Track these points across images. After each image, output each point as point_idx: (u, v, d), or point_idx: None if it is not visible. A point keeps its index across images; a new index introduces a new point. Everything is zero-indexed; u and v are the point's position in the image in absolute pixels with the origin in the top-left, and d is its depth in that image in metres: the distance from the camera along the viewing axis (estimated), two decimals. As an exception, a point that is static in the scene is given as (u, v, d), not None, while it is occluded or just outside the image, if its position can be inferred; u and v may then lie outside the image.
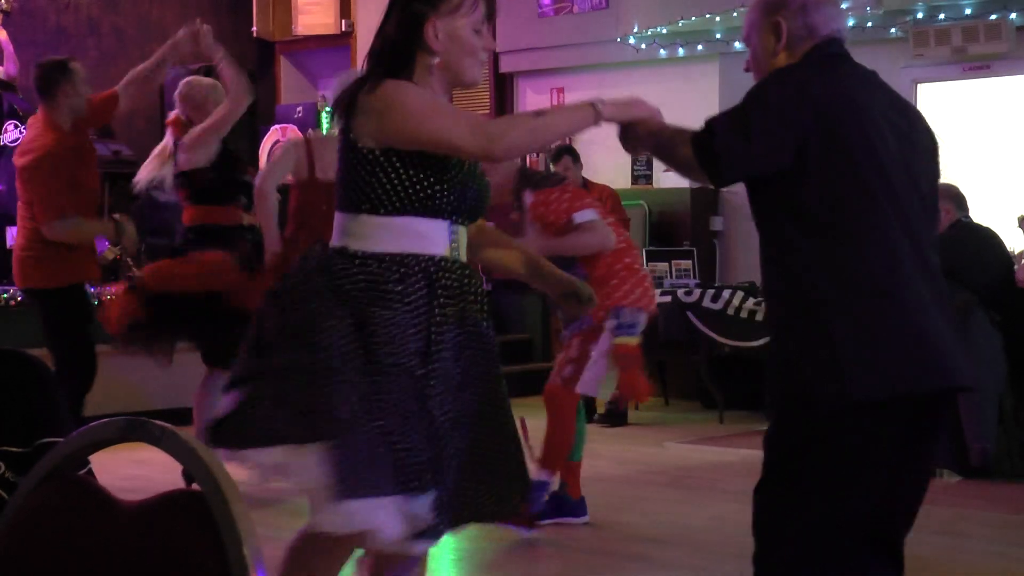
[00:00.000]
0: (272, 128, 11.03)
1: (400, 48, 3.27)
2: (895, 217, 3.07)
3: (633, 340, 5.85)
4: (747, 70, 3.36)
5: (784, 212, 3.10)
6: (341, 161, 3.29)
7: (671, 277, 10.30)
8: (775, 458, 3.19)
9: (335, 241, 3.25)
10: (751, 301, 9.24)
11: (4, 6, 10.46)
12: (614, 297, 5.80)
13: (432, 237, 3.23)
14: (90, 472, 2.46)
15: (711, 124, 3.10)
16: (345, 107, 3.26)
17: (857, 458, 3.09)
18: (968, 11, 9.70)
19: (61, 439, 2.19)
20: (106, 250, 6.66)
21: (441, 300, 3.19)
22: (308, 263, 3.24)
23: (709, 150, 3.08)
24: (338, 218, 3.29)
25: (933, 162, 3.31)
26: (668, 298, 9.48)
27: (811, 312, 3.05)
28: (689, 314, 9.47)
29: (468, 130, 3.17)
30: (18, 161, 6.67)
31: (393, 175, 3.19)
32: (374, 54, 3.32)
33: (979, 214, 8.00)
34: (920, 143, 3.24)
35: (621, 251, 5.93)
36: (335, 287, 3.14)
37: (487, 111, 12.03)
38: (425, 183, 3.21)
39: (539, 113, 3.32)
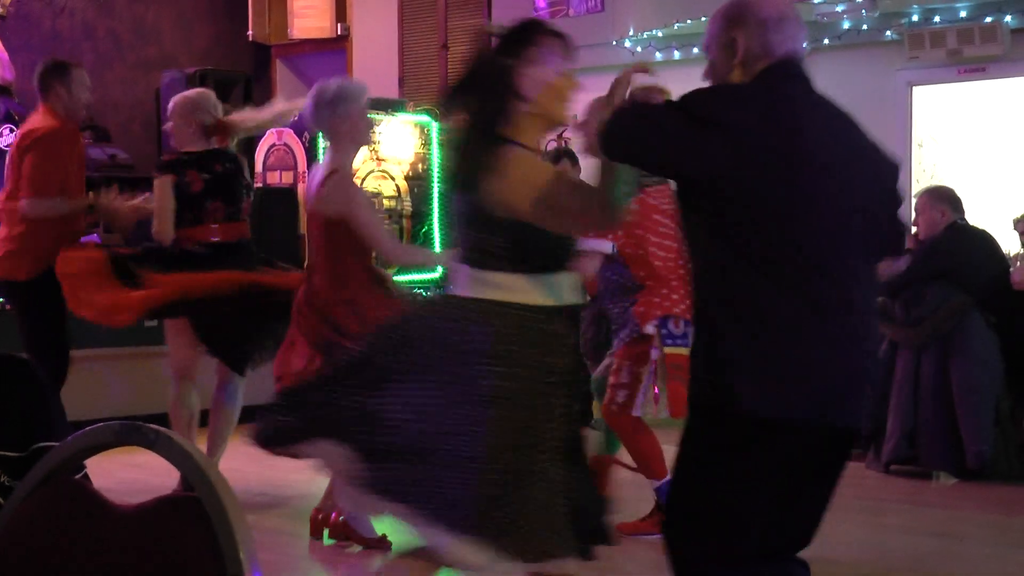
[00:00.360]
0: (268, 132, 11.03)
1: (497, 103, 3.40)
2: (812, 251, 3.04)
3: (683, 351, 5.81)
4: (706, 77, 3.35)
5: (705, 224, 3.10)
6: (469, 221, 3.44)
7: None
8: (681, 467, 3.25)
9: (467, 292, 3.42)
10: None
11: (0, 10, 10.45)
12: (663, 306, 5.75)
13: (567, 286, 3.46)
14: (86, 476, 2.47)
15: (639, 106, 3.17)
16: (465, 173, 3.42)
17: (746, 474, 3.12)
18: (963, 14, 9.71)
19: (57, 443, 2.19)
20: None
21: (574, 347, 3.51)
22: (431, 309, 3.52)
23: (612, 124, 3.12)
24: (471, 273, 3.44)
25: (881, 189, 3.27)
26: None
27: (715, 322, 3.08)
28: (685, 317, 9.47)
29: (592, 211, 3.31)
30: (20, 143, 6.63)
31: (529, 239, 3.37)
32: (473, 112, 3.45)
33: (975, 216, 8.01)
34: (864, 171, 3.18)
35: (676, 262, 5.79)
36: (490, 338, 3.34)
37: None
38: (556, 245, 3.44)
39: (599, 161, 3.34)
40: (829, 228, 3.07)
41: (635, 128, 3.10)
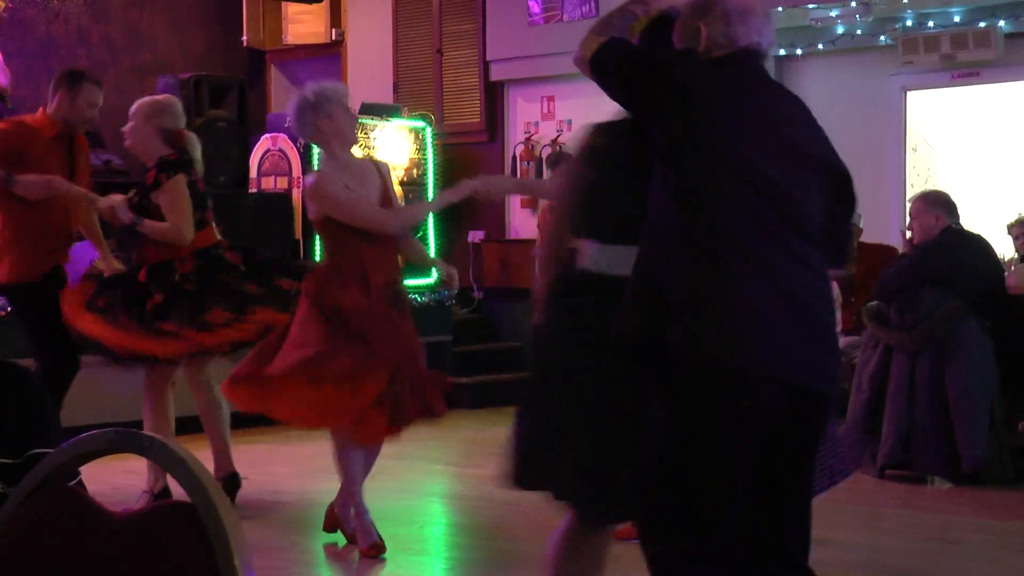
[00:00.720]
0: (263, 137, 11.03)
1: None
2: (750, 223, 3.16)
3: None
4: None
5: (661, 177, 3.25)
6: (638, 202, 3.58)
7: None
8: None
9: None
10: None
11: (-5, 15, 10.44)
12: None
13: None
14: (80, 483, 2.46)
15: (628, 46, 3.41)
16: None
17: (715, 446, 3.18)
18: (957, 19, 9.73)
19: (51, 450, 2.19)
20: (97, 260, 6.60)
21: None
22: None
23: (604, 52, 3.42)
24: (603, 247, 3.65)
25: (826, 179, 3.33)
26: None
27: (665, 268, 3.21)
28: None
29: None
30: None
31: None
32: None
33: (969, 221, 8.01)
34: (810, 161, 3.29)
35: None
36: None
37: (477, 119, 12.05)
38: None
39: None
40: (773, 206, 3.18)
41: (619, 65, 3.36)
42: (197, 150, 6.44)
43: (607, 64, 3.38)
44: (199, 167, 6.39)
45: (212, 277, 6.19)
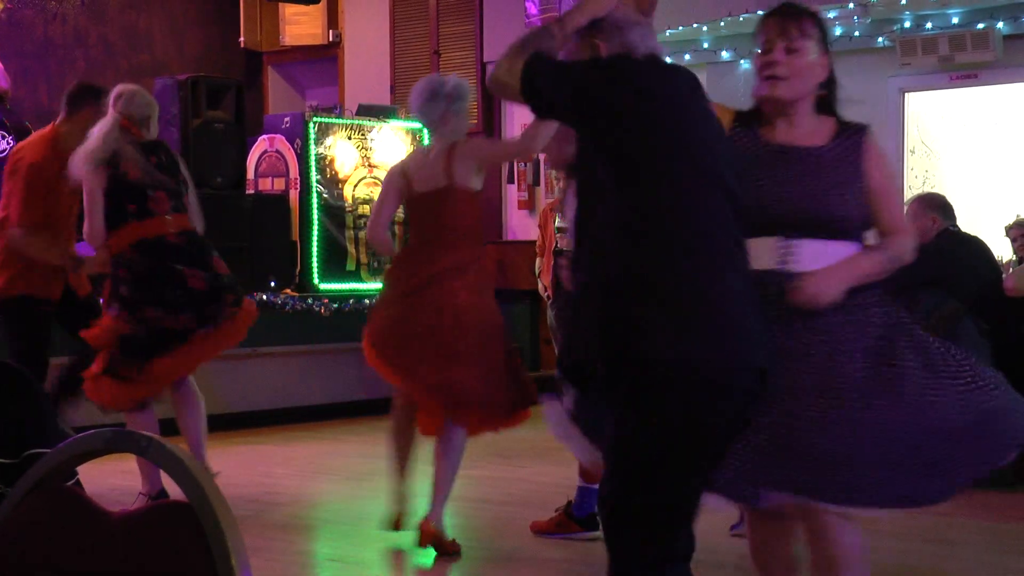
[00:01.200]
0: (260, 138, 11.02)
1: None
2: (722, 221, 3.22)
3: None
4: None
5: (616, 182, 3.23)
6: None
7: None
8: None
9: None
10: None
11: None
12: None
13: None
14: (78, 483, 2.46)
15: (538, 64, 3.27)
16: None
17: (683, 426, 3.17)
18: (955, 20, 9.74)
19: (49, 450, 2.19)
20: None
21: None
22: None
23: (533, 71, 3.26)
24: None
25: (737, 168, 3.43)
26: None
27: (638, 275, 3.18)
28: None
29: None
30: (10, 166, 6.52)
31: None
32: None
33: (967, 223, 8.01)
34: (735, 159, 3.39)
35: None
36: None
37: (475, 121, 12.05)
38: None
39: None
40: (721, 192, 3.24)
41: (556, 78, 3.25)
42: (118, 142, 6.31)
43: (541, 80, 3.26)
44: (132, 161, 6.15)
45: (158, 257, 6.12)
